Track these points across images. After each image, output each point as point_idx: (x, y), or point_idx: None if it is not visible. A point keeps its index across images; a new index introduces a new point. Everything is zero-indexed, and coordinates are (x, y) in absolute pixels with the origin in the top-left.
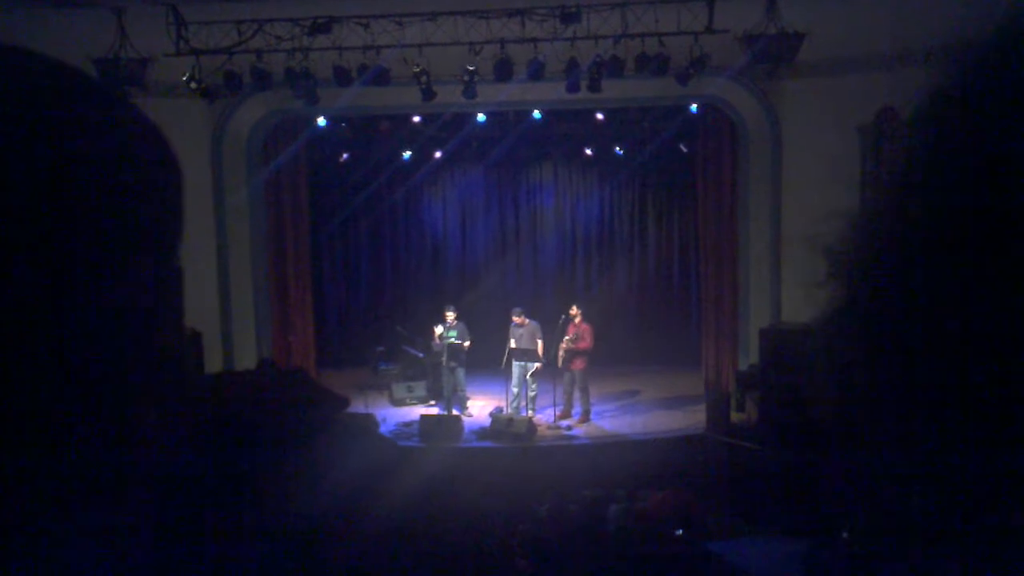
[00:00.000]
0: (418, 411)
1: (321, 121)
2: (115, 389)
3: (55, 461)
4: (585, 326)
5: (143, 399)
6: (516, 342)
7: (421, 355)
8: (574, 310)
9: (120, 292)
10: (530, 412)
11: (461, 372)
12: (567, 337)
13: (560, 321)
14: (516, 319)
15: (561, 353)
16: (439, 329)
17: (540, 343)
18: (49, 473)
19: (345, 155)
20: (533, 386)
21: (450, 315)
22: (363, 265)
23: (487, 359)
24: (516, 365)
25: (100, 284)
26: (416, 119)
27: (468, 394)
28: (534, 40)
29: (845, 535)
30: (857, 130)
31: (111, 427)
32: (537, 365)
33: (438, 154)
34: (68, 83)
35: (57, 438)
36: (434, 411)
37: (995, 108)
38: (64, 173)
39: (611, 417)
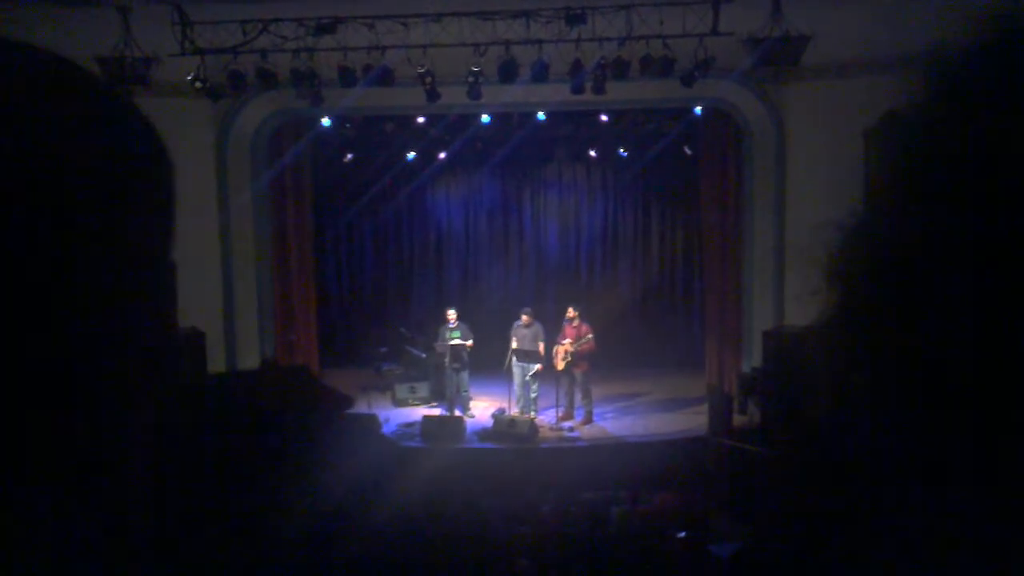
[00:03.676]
0: (421, 412)
1: (326, 121)
2: (107, 386)
3: (47, 462)
4: (586, 327)
5: (136, 396)
6: (518, 343)
7: (424, 356)
8: (571, 311)
9: (111, 288)
10: (532, 413)
11: (464, 373)
12: (567, 340)
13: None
14: (524, 318)
15: (566, 356)
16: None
17: (541, 345)
18: (42, 474)
19: (349, 155)
20: (534, 387)
21: (452, 315)
22: (366, 265)
23: (489, 360)
24: (516, 366)
25: (90, 280)
26: (420, 120)
27: (471, 395)
28: (539, 41)
29: (843, 537)
30: (862, 134)
31: (104, 426)
32: (537, 367)
33: (442, 155)
34: (58, 75)
35: (48, 438)
36: (436, 412)
37: (991, 110)
38: (52, 166)
39: (613, 419)
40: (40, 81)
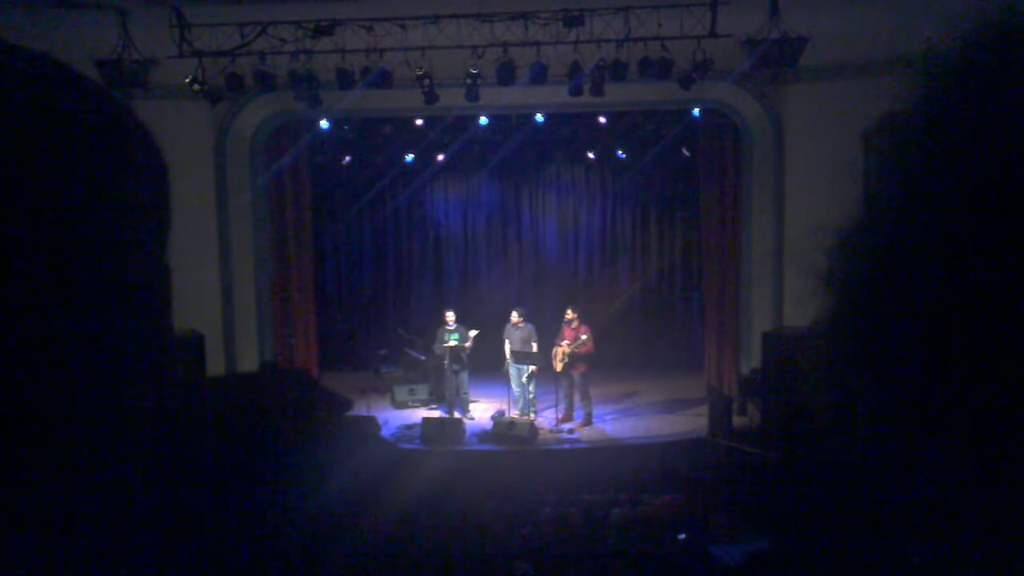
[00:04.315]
0: (420, 414)
1: (324, 124)
2: (104, 389)
3: (46, 464)
4: (585, 328)
5: (134, 399)
6: (510, 343)
7: (423, 357)
8: (570, 313)
9: (106, 291)
10: (531, 415)
11: (464, 375)
12: (566, 341)
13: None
14: (514, 319)
15: (563, 357)
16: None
17: (535, 345)
18: (41, 476)
19: (348, 158)
20: (530, 388)
21: (450, 317)
22: (365, 268)
23: (489, 362)
24: (512, 367)
25: (85, 283)
26: (419, 122)
27: (470, 397)
28: (537, 43)
29: (842, 536)
30: (860, 135)
31: (102, 429)
32: (532, 368)
33: (440, 157)
34: (53, 79)
35: (47, 440)
36: (436, 414)
37: (989, 111)
38: (47, 169)
39: (613, 420)
40: (35, 85)
